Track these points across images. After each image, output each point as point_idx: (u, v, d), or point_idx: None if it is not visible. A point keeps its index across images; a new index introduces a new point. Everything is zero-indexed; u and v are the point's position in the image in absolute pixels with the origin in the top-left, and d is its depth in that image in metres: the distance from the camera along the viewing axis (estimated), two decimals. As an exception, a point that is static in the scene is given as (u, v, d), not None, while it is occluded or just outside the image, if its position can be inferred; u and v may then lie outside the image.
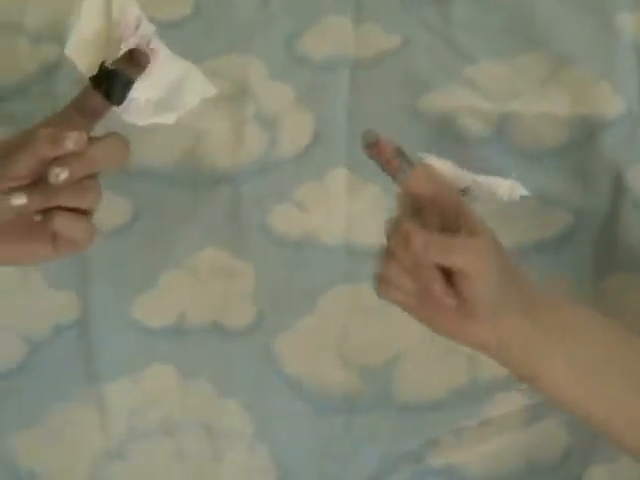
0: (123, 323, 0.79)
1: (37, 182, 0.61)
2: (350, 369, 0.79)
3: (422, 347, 0.78)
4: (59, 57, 0.81)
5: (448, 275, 0.60)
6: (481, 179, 0.64)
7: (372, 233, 0.79)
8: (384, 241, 0.79)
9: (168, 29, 0.81)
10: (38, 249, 0.65)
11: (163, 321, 0.79)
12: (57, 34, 0.81)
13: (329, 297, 0.79)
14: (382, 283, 0.63)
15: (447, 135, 0.80)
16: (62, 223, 0.61)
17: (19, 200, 0.61)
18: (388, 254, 0.63)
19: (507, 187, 0.65)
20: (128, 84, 0.65)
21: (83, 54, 0.66)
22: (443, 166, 0.64)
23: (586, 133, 0.80)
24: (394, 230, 0.62)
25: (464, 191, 0.65)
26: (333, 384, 0.79)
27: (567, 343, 0.63)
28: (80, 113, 0.66)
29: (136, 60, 0.66)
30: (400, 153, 0.62)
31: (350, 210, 0.80)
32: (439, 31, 0.82)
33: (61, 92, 0.80)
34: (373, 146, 0.62)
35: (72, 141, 0.59)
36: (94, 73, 0.65)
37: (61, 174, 0.59)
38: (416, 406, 0.78)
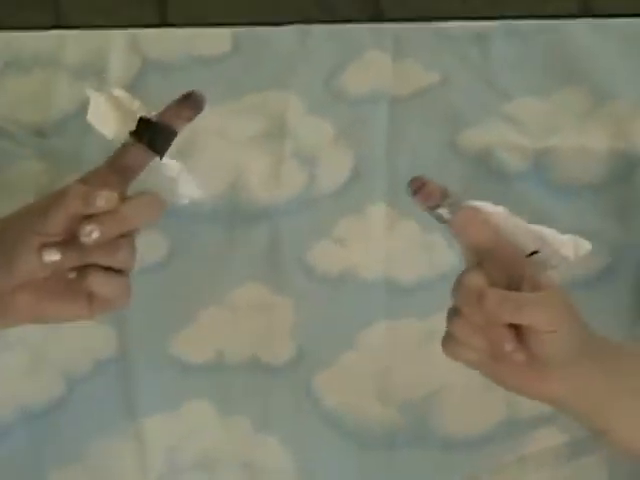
0: (161, 359, 0.79)
1: (71, 240, 0.61)
2: (389, 405, 0.78)
3: (461, 383, 0.78)
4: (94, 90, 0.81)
5: (517, 330, 0.59)
6: (544, 232, 0.61)
7: (411, 269, 0.79)
8: (423, 277, 0.79)
9: (207, 65, 0.82)
10: (74, 308, 0.65)
11: (201, 357, 0.79)
12: (96, 70, 0.82)
13: (368, 333, 0.79)
14: (450, 342, 0.62)
15: (485, 170, 0.80)
16: (96, 282, 0.61)
17: (52, 256, 0.61)
18: (455, 312, 0.61)
19: (570, 243, 0.63)
20: (171, 134, 0.65)
21: (105, 120, 0.66)
22: (501, 217, 0.61)
23: (625, 168, 0.80)
24: (461, 286, 0.60)
25: (531, 254, 0.63)
26: (373, 420, 0.78)
27: (637, 392, 0.62)
28: (115, 172, 0.65)
29: (192, 102, 0.66)
30: (448, 195, 0.61)
31: (389, 246, 0.80)
32: (478, 67, 0.82)
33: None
34: (420, 188, 0.61)
35: (103, 199, 0.59)
36: (133, 128, 0.65)
37: (93, 233, 0.59)
38: (455, 442, 0.78)
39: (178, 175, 0.66)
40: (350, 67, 0.82)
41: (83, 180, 0.65)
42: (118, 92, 0.66)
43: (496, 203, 0.79)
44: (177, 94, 0.80)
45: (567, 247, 0.62)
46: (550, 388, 0.61)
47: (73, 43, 0.83)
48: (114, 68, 0.82)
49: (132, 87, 0.82)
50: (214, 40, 0.83)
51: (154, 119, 0.64)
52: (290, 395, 0.79)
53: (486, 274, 0.60)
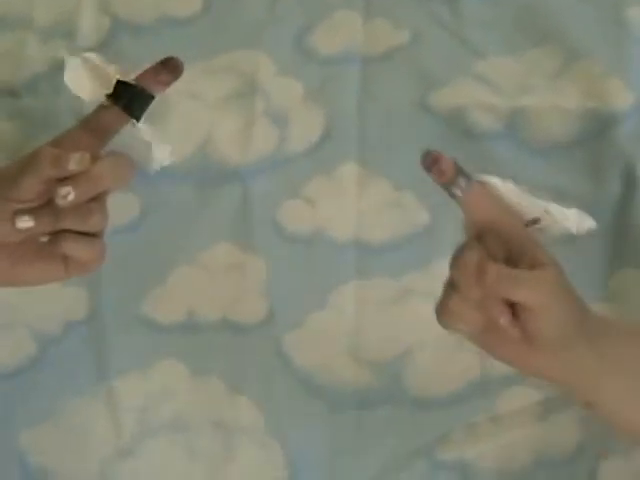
0: (133, 319, 0.79)
1: (43, 205, 0.61)
2: (361, 364, 0.79)
3: (433, 342, 0.78)
4: (68, 53, 0.81)
5: (512, 306, 0.59)
6: (549, 207, 0.61)
7: (383, 228, 0.79)
8: (394, 236, 0.79)
9: (178, 25, 0.82)
10: (48, 271, 0.65)
11: (173, 317, 0.79)
12: (66, 30, 0.82)
13: (339, 292, 0.79)
14: (445, 313, 0.61)
15: (457, 130, 0.80)
16: (70, 246, 0.61)
17: (25, 223, 0.61)
18: (452, 285, 0.61)
19: (574, 217, 0.63)
20: (149, 98, 0.65)
21: (81, 82, 0.66)
22: (508, 190, 0.61)
23: (597, 127, 0.80)
24: (460, 260, 0.60)
25: (533, 222, 0.62)
26: (344, 380, 0.78)
27: (631, 377, 0.62)
28: (90, 133, 0.65)
29: (171, 67, 0.66)
30: (460, 171, 0.60)
31: (360, 205, 0.80)
32: (449, 26, 0.82)
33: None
34: (434, 164, 0.60)
35: (76, 162, 0.59)
36: (110, 90, 0.65)
37: (68, 195, 0.59)
38: (428, 401, 0.78)
39: (152, 139, 0.66)
40: (320, 26, 0.82)
41: (56, 142, 0.65)
42: (94, 57, 0.66)
43: (468, 162, 0.80)
44: (147, 55, 0.80)
45: (570, 220, 0.62)
46: (540, 363, 0.61)
47: (43, 3, 0.82)
48: (84, 28, 0.82)
49: (102, 47, 0.81)
50: (184, 0, 0.82)
51: (132, 82, 0.64)
52: (261, 355, 0.79)
53: (485, 248, 0.60)
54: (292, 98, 0.81)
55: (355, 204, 0.80)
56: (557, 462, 0.77)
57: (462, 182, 0.59)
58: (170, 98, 0.80)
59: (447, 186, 0.60)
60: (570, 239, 0.77)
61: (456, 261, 0.60)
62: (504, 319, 0.58)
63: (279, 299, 0.79)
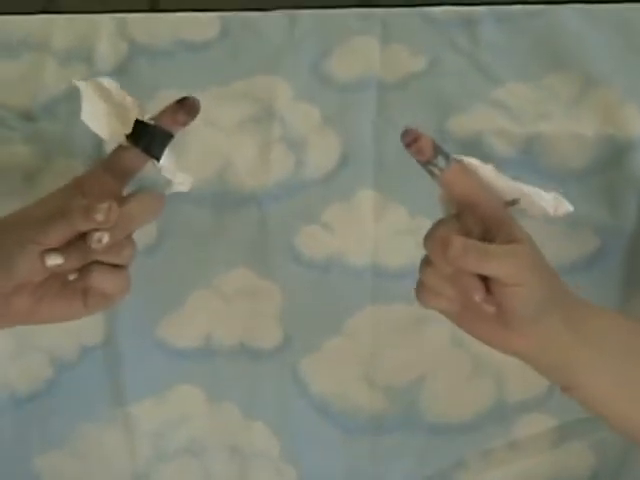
0: (149, 344, 0.79)
1: (72, 241, 0.62)
2: (377, 390, 0.79)
3: (449, 368, 0.78)
4: (86, 77, 0.80)
5: (486, 282, 0.60)
6: (527, 189, 0.63)
7: (399, 254, 0.79)
8: (410, 263, 0.79)
9: (195, 50, 0.82)
10: (69, 308, 0.65)
11: (189, 342, 0.80)
12: (84, 55, 0.82)
13: (356, 318, 0.79)
14: (422, 290, 0.63)
15: (474, 156, 0.78)
16: (100, 279, 0.62)
17: (54, 260, 0.61)
18: (427, 260, 0.62)
19: (552, 201, 0.64)
20: (168, 138, 0.65)
21: (99, 120, 0.66)
22: (487, 172, 0.62)
23: (613, 154, 0.79)
24: (431, 234, 0.61)
25: (511, 203, 0.63)
26: (359, 405, 0.79)
27: (606, 353, 0.62)
28: (111, 174, 0.66)
29: (188, 107, 0.66)
30: (440, 150, 0.61)
31: (377, 231, 0.80)
32: (466, 52, 0.81)
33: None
34: (413, 142, 0.61)
35: (104, 213, 0.59)
36: (129, 131, 0.64)
37: (103, 239, 0.60)
38: (443, 427, 0.78)
39: (173, 175, 0.66)
40: (338, 52, 0.82)
41: (79, 181, 0.66)
42: (107, 82, 0.66)
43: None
44: (164, 79, 0.82)
45: (548, 203, 0.63)
46: (516, 341, 0.62)
47: (61, 27, 0.82)
48: (102, 52, 0.82)
49: (119, 72, 0.81)
50: (202, 25, 0.82)
51: (151, 122, 0.64)
52: (277, 380, 0.79)
53: (462, 225, 0.61)
54: (309, 124, 0.81)
55: (372, 230, 0.80)
56: (573, 488, 0.78)
57: (441, 161, 0.61)
58: (187, 123, 0.80)
59: (426, 164, 0.61)
60: (590, 267, 0.78)
61: (428, 236, 0.62)
62: (478, 294, 0.59)
63: (295, 324, 0.79)
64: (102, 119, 0.65)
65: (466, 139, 0.80)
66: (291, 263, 0.80)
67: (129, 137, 0.64)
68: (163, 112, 0.66)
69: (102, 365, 0.79)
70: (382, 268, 0.80)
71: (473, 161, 0.62)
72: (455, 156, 0.62)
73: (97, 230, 0.60)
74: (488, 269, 0.58)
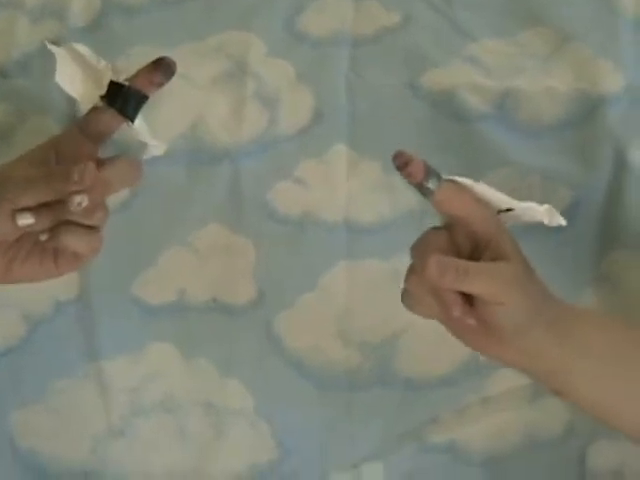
0: (123, 300, 0.79)
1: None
2: (351, 346, 0.79)
3: (423, 323, 0.78)
4: (59, 34, 0.81)
5: (468, 295, 0.60)
6: (521, 204, 0.62)
7: (373, 210, 0.79)
8: (384, 218, 0.79)
9: (168, 6, 0.82)
10: (41, 268, 0.65)
11: (163, 298, 0.79)
12: (57, 10, 0.82)
13: (330, 274, 0.79)
14: (407, 296, 0.64)
15: (447, 112, 0.80)
16: (71, 238, 0.62)
17: (26, 220, 0.61)
18: (412, 268, 0.63)
19: (546, 213, 0.63)
20: (142, 99, 0.65)
21: (73, 82, 0.66)
22: (481, 189, 0.62)
23: (587, 109, 0.80)
24: (418, 245, 0.62)
25: (505, 210, 0.63)
26: (334, 361, 0.79)
27: (592, 359, 0.62)
28: (87, 135, 0.66)
29: (164, 68, 0.66)
30: (431, 172, 0.61)
31: (350, 187, 0.80)
32: (440, 8, 0.82)
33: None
34: (404, 166, 0.61)
35: (79, 173, 0.59)
36: (103, 92, 0.65)
37: (83, 202, 0.60)
38: (418, 383, 0.78)
39: (146, 137, 0.66)
40: (311, 8, 0.82)
41: (55, 142, 0.66)
42: (81, 48, 0.66)
43: (459, 144, 0.80)
44: (138, 35, 0.82)
45: (542, 215, 0.63)
46: (504, 352, 0.62)
47: (34, -16, 0.83)
48: (75, 8, 0.82)
49: (93, 28, 0.81)
50: (175, -18, 0.82)
51: (125, 84, 0.64)
52: (251, 336, 0.79)
53: (452, 237, 0.61)
54: (282, 80, 0.81)
55: (345, 185, 0.80)
56: (547, 443, 0.77)
57: (432, 183, 0.60)
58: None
59: (418, 186, 0.61)
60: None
61: (414, 246, 0.62)
62: (456, 310, 0.59)
63: (269, 281, 0.79)
64: (77, 82, 0.65)
65: (439, 94, 0.80)
66: (265, 219, 0.80)
67: (104, 98, 0.64)
68: (138, 73, 0.66)
69: (76, 321, 0.79)
70: (356, 224, 0.79)
71: (465, 180, 0.62)
72: (447, 177, 0.62)
73: (77, 193, 0.59)
74: (468, 288, 0.58)
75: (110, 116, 0.65)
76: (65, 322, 0.79)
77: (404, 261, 0.78)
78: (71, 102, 0.79)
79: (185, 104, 0.80)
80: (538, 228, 0.77)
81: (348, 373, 0.78)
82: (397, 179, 0.78)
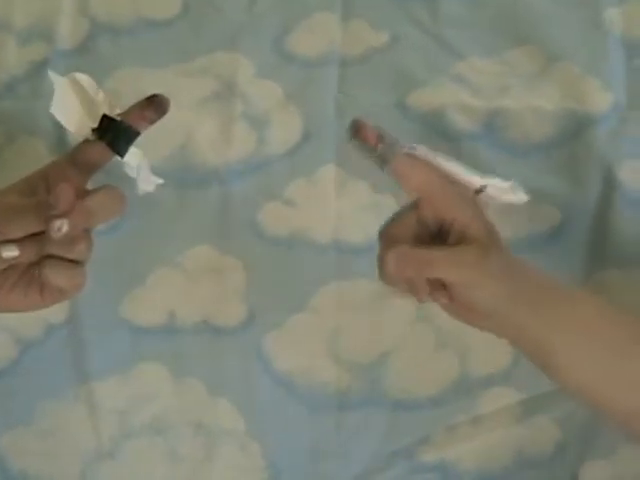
0: (112, 322, 0.79)
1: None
2: (341, 366, 0.79)
3: (413, 343, 0.78)
4: (47, 56, 0.81)
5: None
6: (485, 179, 0.63)
7: (362, 230, 0.79)
8: (372, 238, 0.79)
9: (156, 27, 0.82)
10: (25, 298, 0.64)
11: (153, 320, 0.79)
12: (45, 33, 0.82)
13: (319, 294, 0.79)
14: (381, 275, 0.63)
15: (436, 131, 0.80)
16: (53, 273, 0.61)
17: (11, 252, 0.60)
18: (379, 255, 0.63)
19: (510, 189, 0.63)
20: (134, 135, 0.65)
21: (68, 113, 0.65)
22: (439, 160, 0.62)
23: (575, 128, 0.80)
24: (383, 232, 0.62)
25: (478, 190, 0.63)
26: (324, 381, 0.79)
27: (577, 335, 0.62)
28: (76, 166, 0.65)
29: (156, 105, 0.66)
30: (386, 140, 0.61)
31: (339, 207, 0.80)
32: (428, 27, 0.82)
33: (49, 91, 0.79)
34: (357, 132, 0.61)
35: (55, 193, 0.59)
36: (96, 125, 0.64)
37: (62, 227, 0.59)
38: (408, 403, 0.78)
39: (137, 172, 0.66)
40: (299, 29, 0.82)
41: (44, 172, 0.65)
42: (82, 78, 0.65)
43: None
44: (126, 57, 0.81)
45: (507, 191, 0.64)
46: (489, 326, 0.63)
47: (22, 6, 0.82)
48: (63, 31, 0.82)
49: (80, 50, 0.81)
50: (163, 2, 0.82)
51: (118, 118, 0.64)
52: (241, 357, 0.79)
53: (418, 216, 0.61)
54: (271, 100, 0.81)
55: (334, 206, 0.80)
56: (538, 462, 0.78)
57: (388, 153, 0.61)
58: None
59: (374, 156, 0.61)
60: (552, 240, 0.78)
61: (381, 231, 0.63)
62: (420, 296, 0.60)
63: (259, 301, 0.79)
64: (72, 114, 0.65)
65: (428, 114, 0.81)
66: (254, 239, 0.80)
67: (95, 131, 0.64)
68: (131, 109, 0.65)
69: (66, 343, 0.79)
70: (345, 244, 0.80)
71: (425, 152, 0.62)
72: (409, 146, 0.61)
73: (56, 217, 0.59)
74: (432, 275, 0.59)
75: (101, 149, 0.64)
76: (56, 344, 0.79)
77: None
78: (58, 124, 0.79)
79: (173, 125, 0.80)
80: (523, 248, 0.78)
81: (338, 393, 0.78)
82: (386, 199, 0.80)
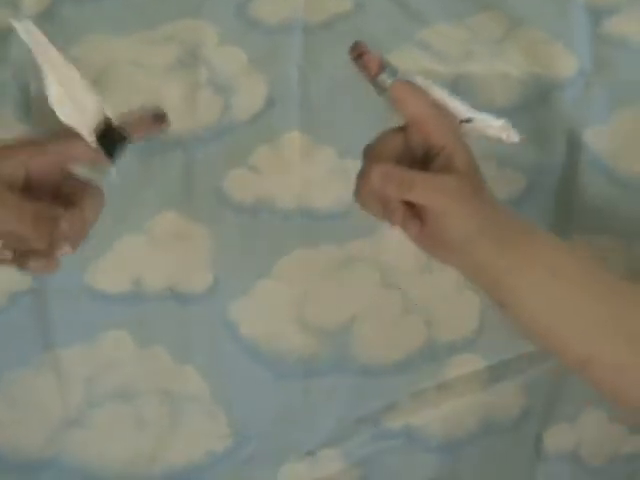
0: (77, 289, 0.79)
1: None
2: (307, 333, 0.79)
3: (379, 309, 0.78)
4: (11, 19, 0.81)
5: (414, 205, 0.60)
6: (479, 114, 0.63)
7: (327, 196, 0.79)
8: (338, 204, 0.79)
9: (121, -5, 0.82)
10: None
11: (118, 287, 0.79)
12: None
13: (285, 261, 0.79)
14: (357, 197, 0.63)
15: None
16: (33, 265, 0.62)
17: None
18: (362, 172, 0.62)
19: (502, 127, 0.64)
20: (126, 145, 0.65)
21: (62, 104, 0.65)
22: (439, 92, 0.62)
23: (540, 93, 0.80)
24: (367, 149, 0.62)
25: (465, 120, 0.63)
26: (290, 348, 0.79)
27: (537, 274, 0.62)
28: (57, 154, 0.65)
29: (163, 124, 0.66)
30: (387, 67, 0.61)
31: (304, 173, 0.80)
32: (392, -7, 0.82)
33: (15, 57, 0.80)
34: (359, 58, 0.61)
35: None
36: (98, 130, 0.64)
37: (68, 252, 0.63)
38: (374, 369, 0.78)
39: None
40: (262, -5, 0.82)
41: (27, 159, 0.64)
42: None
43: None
44: (90, 23, 0.81)
45: (499, 129, 0.63)
46: (452, 259, 0.62)
47: (-15, -27, 0.82)
48: (27, -3, 0.82)
49: (45, 16, 0.81)
50: (127, -31, 0.82)
51: (119, 127, 0.64)
52: (207, 324, 0.79)
53: (406, 139, 0.61)
54: (235, 67, 0.81)
55: (299, 172, 0.80)
56: (503, 428, 0.78)
57: (388, 78, 0.60)
58: (114, 67, 0.80)
59: (373, 81, 0.61)
60: (518, 206, 0.78)
61: (366, 148, 0.62)
62: (397, 218, 0.60)
63: (224, 268, 0.79)
64: (72, 112, 0.65)
65: (393, 80, 0.80)
66: (220, 206, 0.80)
67: (96, 137, 0.64)
68: (138, 124, 0.65)
69: (31, 310, 0.78)
70: (310, 210, 0.79)
71: (424, 82, 0.62)
72: (406, 74, 0.61)
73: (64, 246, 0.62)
74: (411, 199, 0.59)
75: (89, 148, 0.64)
76: (20, 312, 0.78)
77: (359, 246, 0.79)
78: (24, 90, 0.79)
79: (138, 92, 0.80)
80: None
81: (304, 360, 0.78)
82: (352, 164, 0.79)
